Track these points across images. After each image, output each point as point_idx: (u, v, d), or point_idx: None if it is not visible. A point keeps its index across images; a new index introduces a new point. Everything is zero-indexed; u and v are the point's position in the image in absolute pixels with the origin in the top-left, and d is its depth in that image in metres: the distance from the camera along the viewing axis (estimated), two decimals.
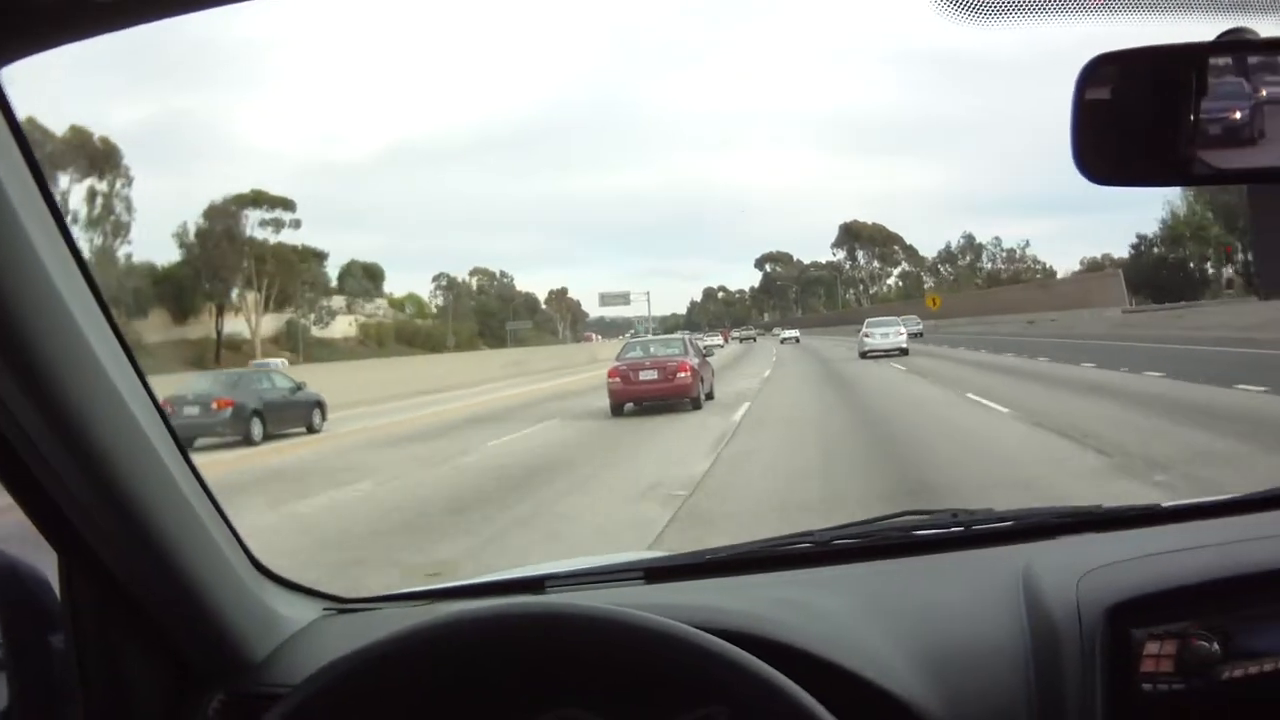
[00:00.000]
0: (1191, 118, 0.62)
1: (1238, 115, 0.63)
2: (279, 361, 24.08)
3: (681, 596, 0.92)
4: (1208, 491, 1.20)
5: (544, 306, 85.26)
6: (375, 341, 38.23)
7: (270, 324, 36.35)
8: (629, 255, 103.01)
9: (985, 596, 0.85)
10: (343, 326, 38.51)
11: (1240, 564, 0.81)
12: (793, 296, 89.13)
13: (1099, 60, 0.64)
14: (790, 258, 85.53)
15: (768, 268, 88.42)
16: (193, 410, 9.70)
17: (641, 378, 10.84)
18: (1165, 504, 1.05)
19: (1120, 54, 0.64)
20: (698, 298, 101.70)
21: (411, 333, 40.89)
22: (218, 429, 9.66)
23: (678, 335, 14.46)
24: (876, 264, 70.76)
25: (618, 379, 10.97)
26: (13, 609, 0.75)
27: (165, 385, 10.67)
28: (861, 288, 74.36)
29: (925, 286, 62.87)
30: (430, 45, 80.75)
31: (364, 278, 44.48)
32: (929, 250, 66.70)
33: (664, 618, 0.65)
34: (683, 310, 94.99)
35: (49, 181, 0.65)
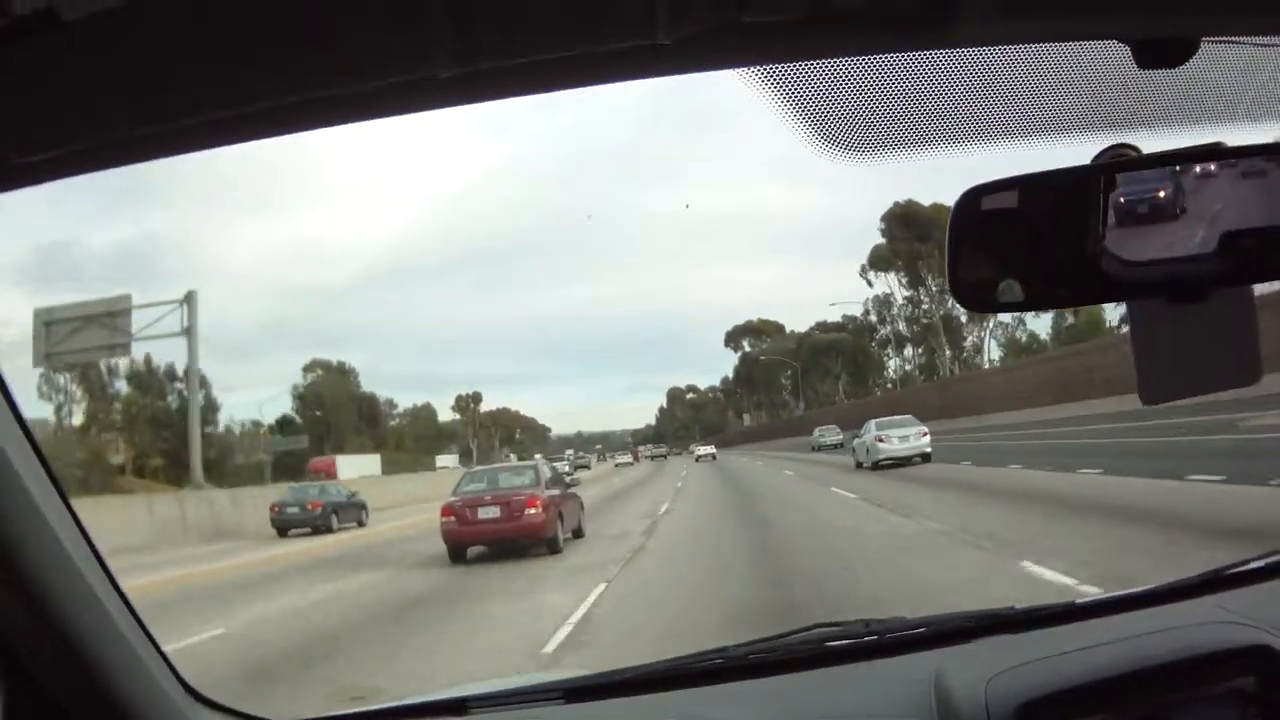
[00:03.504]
0: (1068, 240, 0.86)
1: (1113, 235, 0.86)
2: None
3: (600, 715, 1.32)
4: None
5: (455, 417, 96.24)
6: None
7: None
8: (604, 374, 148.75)
9: (897, 704, 1.21)
10: None
11: (1146, 657, 1.16)
12: (785, 383, 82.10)
13: (971, 193, 0.89)
14: (780, 328, 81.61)
15: (746, 344, 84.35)
16: (294, 510, 22.18)
17: (481, 516, 12.22)
18: (1077, 601, 1.48)
19: (1001, 182, 0.89)
20: (666, 404, 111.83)
21: None
22: (312, 521, 21.74)
23: (530, 462, 16.08)
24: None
25: (452, 518, 12.36)
26: None
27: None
28: (945, 350, 58.16)
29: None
30: (399, 169, 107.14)
31: None
32: None
33: None
34: (654, 421, 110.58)
35: None
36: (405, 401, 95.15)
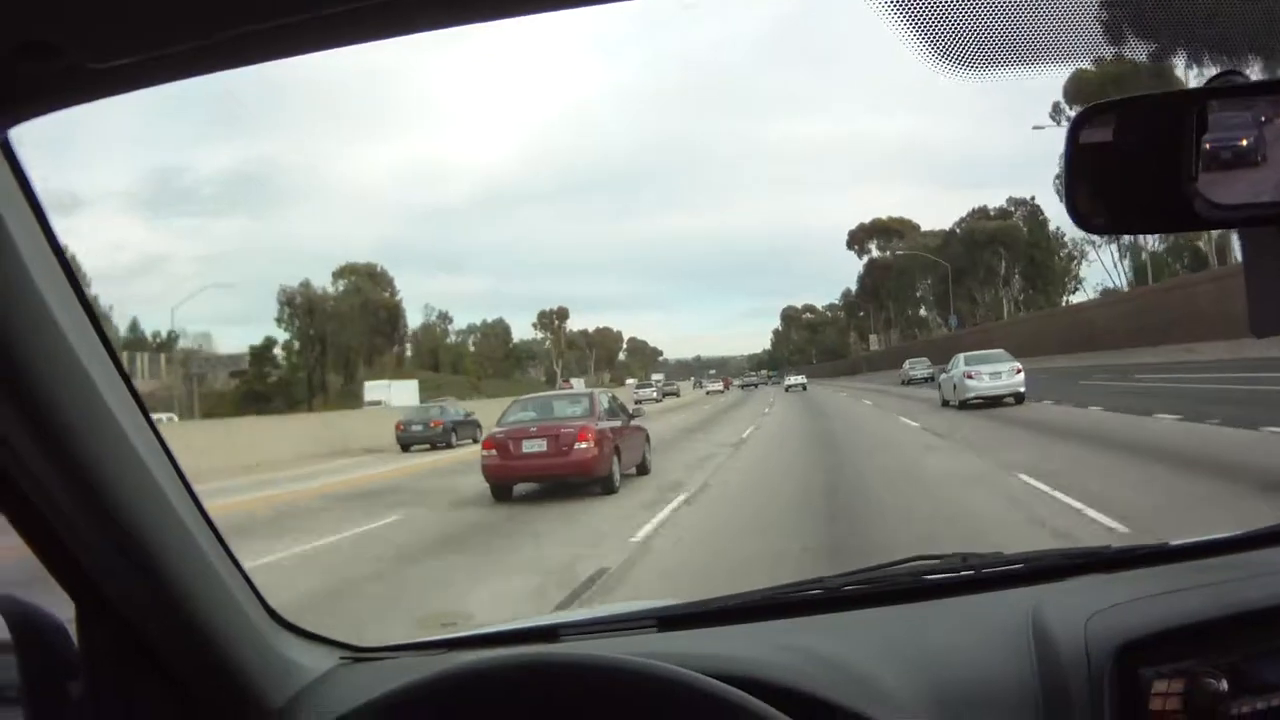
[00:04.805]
0: (1187, 163, 0.99)
1: (1233, 158, 0.99)
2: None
3: (694, 644, 1.49)
4: None
5: (538, 335, 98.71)
6: None
7: None
8: (721, 297, 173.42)
9: (995, 639, 1.38)
10: None
11: (1244, 601, 1.33)
12: (922, 292, 76.85)
13: (1091, 110, 1.03)
14: (915, 227, 77.05)
15: (873, 248, 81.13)
16: (418, 427, 28.07)
17: (525, 450, 12.66)
18: (1172, 543, 1.67)
19: (1112, 103, 1.03)
20: (781, 326, 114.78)
21: None
22: (434, 438, 27.40)
23: (585, 390, 16.71)
24: None
25: (494, 451, 12.87)
26: (30, 655, 1.21)
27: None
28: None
29: None
30: (520, 89, 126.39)
31: None
32: None
33: (677, 667, 1.08)
34: (769, 345, 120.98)
35: (60, 241, 1.08)
36: (472, 318, 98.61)
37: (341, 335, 70.34)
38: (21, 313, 1.04)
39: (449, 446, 26.71)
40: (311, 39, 0.94)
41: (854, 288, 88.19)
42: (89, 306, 1.14)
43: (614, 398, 15.42)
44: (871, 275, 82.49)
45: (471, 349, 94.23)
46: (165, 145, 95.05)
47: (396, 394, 57.10)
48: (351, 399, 58.16)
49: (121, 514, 1.17)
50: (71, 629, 1.28)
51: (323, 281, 75.63)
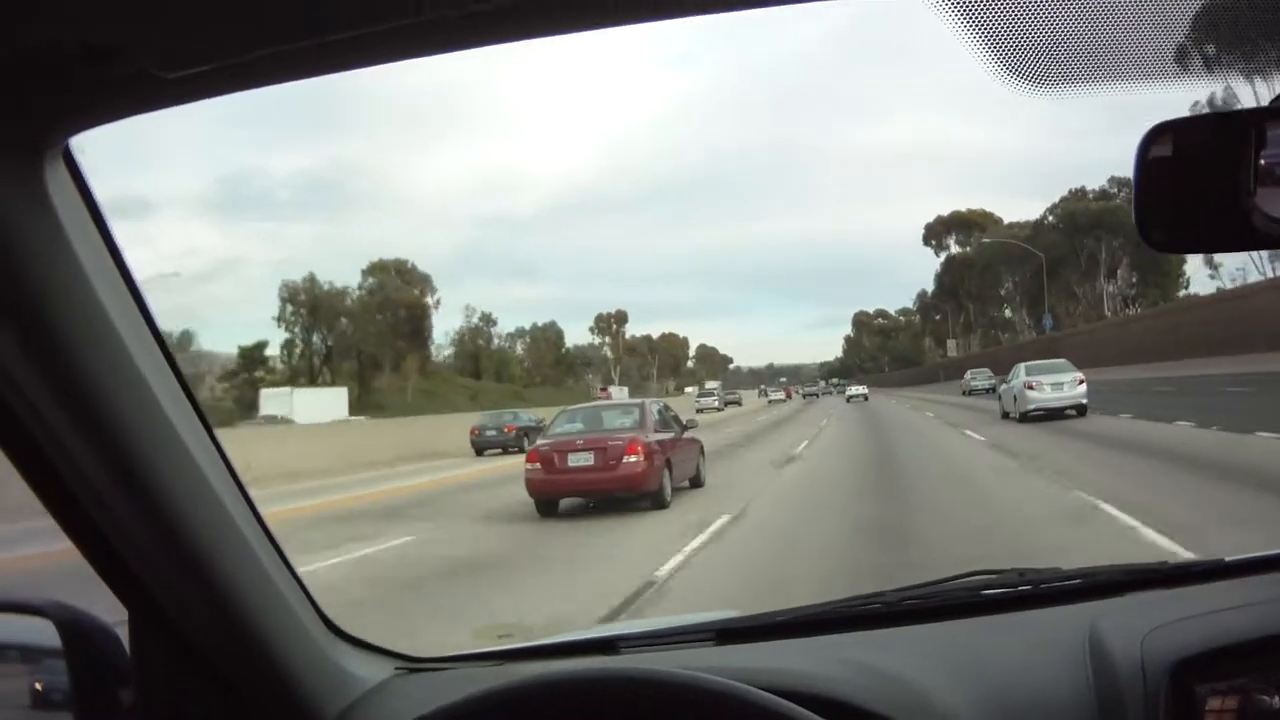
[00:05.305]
0: (1247, 181, 1.08)
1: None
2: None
3: (753, 658, 1.59)
4: None
5: (594, 339, 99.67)
6: None
7: None
8: (794, 305, 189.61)
9: (1052, 655, 1.47)
10: None
11: None
12: (1008, 290, 75.59)
13: (1158, 128, 1.12)
14: (997, 221, 75.99)
15: (952, 243, 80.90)
16: (492, 432, 32.77)
17: (571, 463, 12.83)
18: (1228, 559, 1.76)
19: (1177, 121, 1.12)
20: (853, 332, 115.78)
21: None
22: (506, 442, 31.39)
23: (635, 400, 17.12)
24: None
25: (538, 465, 13.06)
26: (81, 662, 1.27)
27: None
28: None
29: None
30: (593, 101, 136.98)
31: None
32: None
33: (736, 681, 1.15)
34: (841, 353, 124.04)
35: (121, 250, 1.14)
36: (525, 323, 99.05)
37: (354, 336, 67.23)
38: (80, 321, 1.11)
39: (520, 451, 29.67)
40: (381, 51, 0.98)
41: (930, 289, 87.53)
42: (148, 314, 1.21)
43: (666, 407, 15.47)
44: (950, 273, 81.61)
45: (520, 354, 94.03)
46: (235, 149, 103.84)
47: (305, 406, 45.47)
48: (362, 407, 53.84)
49: (176, 519, 1.23)
50: (123, 635, 1.36)
51: (350, 279, 74.96)
